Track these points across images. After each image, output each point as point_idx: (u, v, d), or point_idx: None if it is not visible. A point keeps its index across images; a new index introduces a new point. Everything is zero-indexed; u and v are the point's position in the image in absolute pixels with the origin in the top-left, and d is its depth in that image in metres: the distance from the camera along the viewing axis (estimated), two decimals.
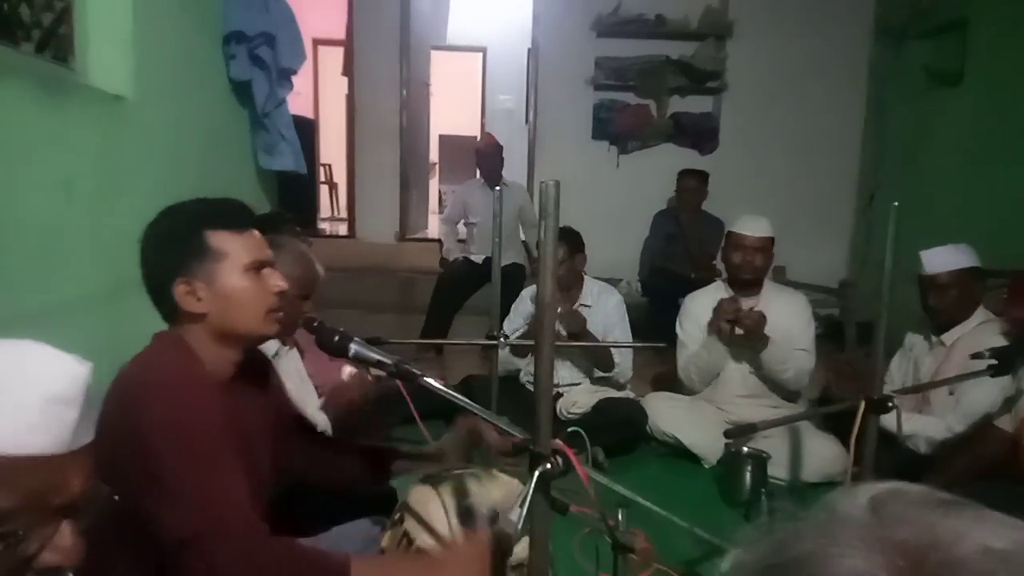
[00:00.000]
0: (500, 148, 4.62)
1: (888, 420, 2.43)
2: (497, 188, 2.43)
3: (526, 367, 3.15)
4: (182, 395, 1.14)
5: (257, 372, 1.38)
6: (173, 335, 1.27)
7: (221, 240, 1.23)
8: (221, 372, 1.27)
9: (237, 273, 1.24)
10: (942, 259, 2.47)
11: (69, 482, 0.68)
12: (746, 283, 2.95)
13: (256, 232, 1.29)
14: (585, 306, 3.15)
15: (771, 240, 2.93)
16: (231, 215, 1.27)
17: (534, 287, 3.19)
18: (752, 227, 2.91)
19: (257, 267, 1.26)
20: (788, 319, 2.93)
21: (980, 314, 2.50)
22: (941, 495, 0.45)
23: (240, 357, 1.30)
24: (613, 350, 3.11)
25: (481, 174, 4.57)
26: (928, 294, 2.50)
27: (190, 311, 1.23)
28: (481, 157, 4.58)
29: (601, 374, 3.17)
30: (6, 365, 0.67)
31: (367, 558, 1.37)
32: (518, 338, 3.02)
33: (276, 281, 1.28)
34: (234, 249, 1.24)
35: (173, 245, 1.23)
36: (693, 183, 4.63)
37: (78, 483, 0.69)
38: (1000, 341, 2.26)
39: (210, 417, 1.14)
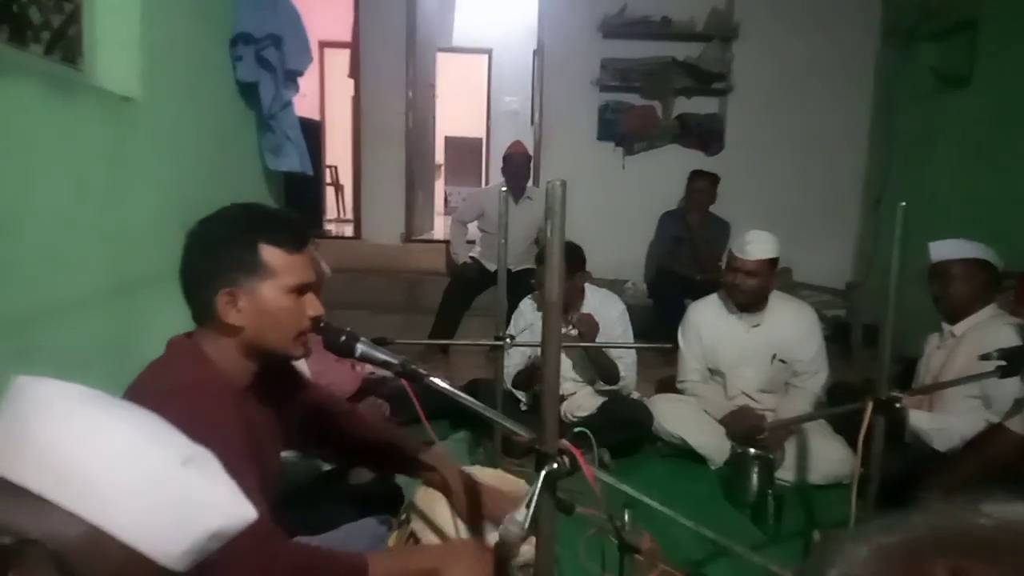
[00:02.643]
0: (529, 158, 4.64)
1: (920, 419, 2.42)
2: (503, 189, 2.43)
3: (525, 399, 3.09)
4: (199, 406, 1.13)
5: (275, 376, 1.38)
6: (189, 343, 1.26)
7: (273, 257, 1.23)
8: (238, 380, 1.27)
9: (280, 293, 1.24)
10: (946, 248, 2.50)
11: None
12: (745, 305, 2.92)
13: (308, 253, 1.29)
14: None
15: (770, 262, 2.83)
16: (287, 234, 1.25)
17: (528, 299, 3.17)
18: (748, 250, 2.82)
19: (300, 290, 1.26)
20: (795, 338, 2.91)
21: (992, 309, 2.49)
22: None
23: (259, 368, 1.30)
24: (618, 363, 3.04)
25: (507, 181, 4.45)
26: (933, 283, 2.53)
27: (227, 322, 1.22)
28: (509, 164, 4.53)
29: (605, 388, 3.11)
30: (197, 488, 0.68)
31: (383, 554, 1.37)
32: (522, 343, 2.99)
33: (314, 306, 1.28)
34: (283, 269, 1.24)
35: (224, 252, 1.23)
36: (704, 184, 4.60)
37: None
38: (1012, 335, 2.25)
39: (227, 426, 1.14)
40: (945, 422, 2.43)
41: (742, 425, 2.82)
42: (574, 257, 2.92)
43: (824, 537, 2.12)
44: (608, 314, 3.07)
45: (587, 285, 3.10)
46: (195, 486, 0.68)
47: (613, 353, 3.06)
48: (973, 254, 2.47)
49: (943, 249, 2.50)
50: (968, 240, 2.51)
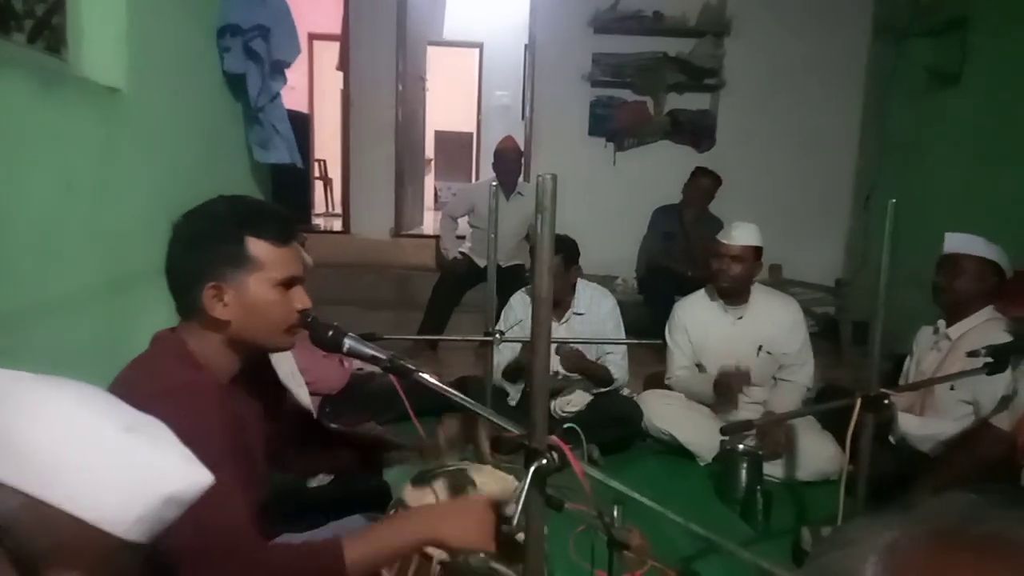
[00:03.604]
0: (520, 153, 4.65)
1: (909, 422, 2.42)
2: (494, 184, 2.41)
3: (515, 392, 3.09)
4: (185, 406, 1.09)
5: (256, 371, 1.36)
6: (174, 339, 1.24)
7: (260, 250, 1.21)
8: (222, 375, 1.25)
9: (267, 286, 1.22)
10: (961, 241, 2.49)
11: (125, 570, 0.67)
12: (728, 292, 2.93)
13: (295, 246, 1.27)
14: (577, 314, 3.06)
15: (753, 249, 2.87)
16: (275, 226, 1.23)
17: (520, 294, 3.16)
18: (733, 235, 2.86)
19: (288, 283, 1.25)
20: (780, 330, 2.91)
21: (988, 312, 2.48)
22: None
23: (245, 362, 1.29)
24: (609, 363, 3.04)
25: (498, 177, 4.42)
26: (940, 273, 2.51)
27: (214, 316, 1.20)
28: (500, 160, 4.52)
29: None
30: (142, 454, 0.66)
31: (356, 534, 1.24)
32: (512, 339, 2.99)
33: (302, 299, 1.26)
34: (270, 261, 1.22)
35: (210, 247, 1.21)
36: (707, 183, 4.60)
37: (131, 572, 0.68)
38: (1006, 339, 2.24)
39: (213, 427, 1.12)
40: (936, 428, 2.42)
41: (733, 382, 2.81)
42: (570, 250, 2.95)
43: (813, 534, 2.12)
44: (599, 310, 3.08)
45: (579, 280, 3.10)
46: (141, 452, 0.66)
47: (604, 348, 3.06)
48: (986, 254, 2.46)
49: (958, 241, 2.49)
50: (985, 239, 2.50)
